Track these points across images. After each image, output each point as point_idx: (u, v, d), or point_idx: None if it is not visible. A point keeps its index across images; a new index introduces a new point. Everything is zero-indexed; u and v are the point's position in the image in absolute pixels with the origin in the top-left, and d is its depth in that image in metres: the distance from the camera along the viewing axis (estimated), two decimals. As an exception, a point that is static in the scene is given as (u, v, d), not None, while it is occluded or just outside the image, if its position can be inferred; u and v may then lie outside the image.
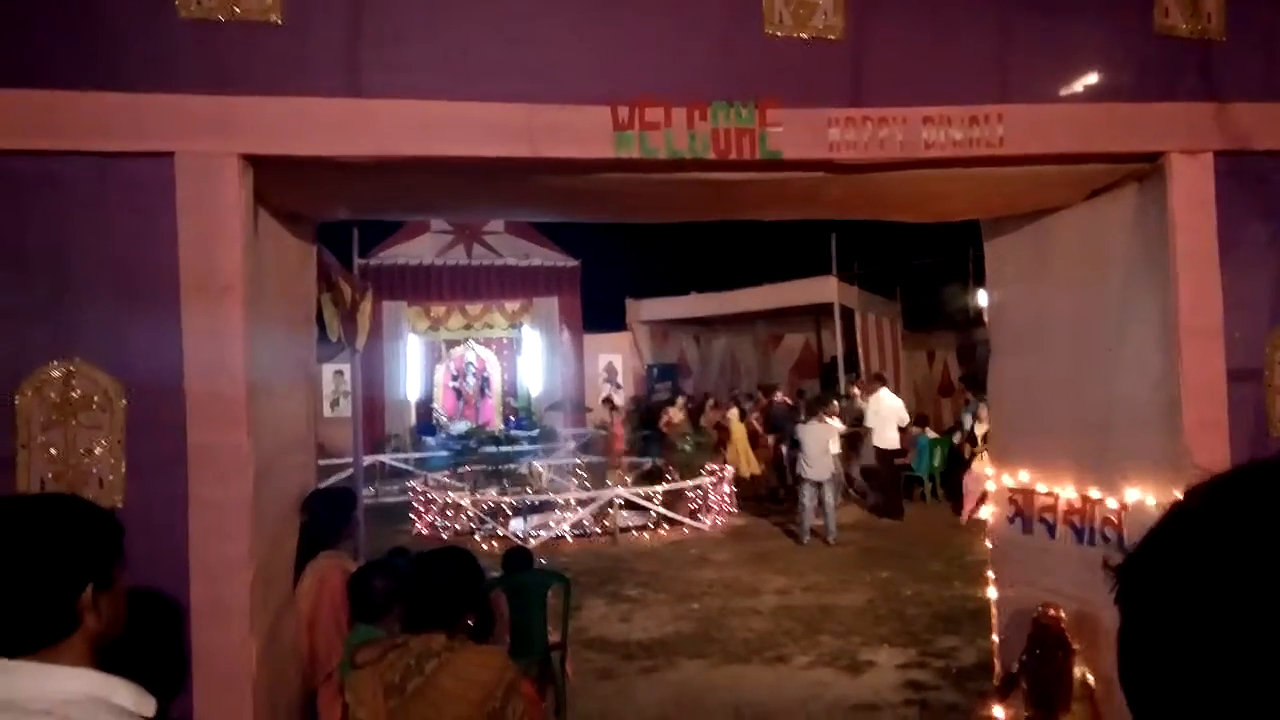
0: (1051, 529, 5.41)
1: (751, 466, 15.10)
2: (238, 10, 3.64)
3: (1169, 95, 4.49)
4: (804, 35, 4.19)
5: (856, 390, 15.12)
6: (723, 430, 15.71)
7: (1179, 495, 0.84)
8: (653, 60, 4.09)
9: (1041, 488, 5.49)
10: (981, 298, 8.29)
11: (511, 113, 3.92)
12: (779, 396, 16.22)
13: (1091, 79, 4.47)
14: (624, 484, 13.59)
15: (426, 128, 3.85)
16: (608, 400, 17.17)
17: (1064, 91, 4.45)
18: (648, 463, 15.61)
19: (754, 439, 15.64)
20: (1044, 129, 4.36)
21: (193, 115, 3.59)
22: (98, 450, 3.50)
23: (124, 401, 3.52)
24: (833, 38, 4.22)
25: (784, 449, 14.65)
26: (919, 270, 20.36)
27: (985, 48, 4.39)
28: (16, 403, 3.45)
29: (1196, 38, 4.51)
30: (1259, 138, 4.49)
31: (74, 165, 3.52)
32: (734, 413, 15.79)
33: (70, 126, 3.50)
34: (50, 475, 3.47)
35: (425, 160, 3.93)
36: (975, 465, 13.08)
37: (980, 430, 13.24)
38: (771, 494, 15.30)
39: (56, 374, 3.48)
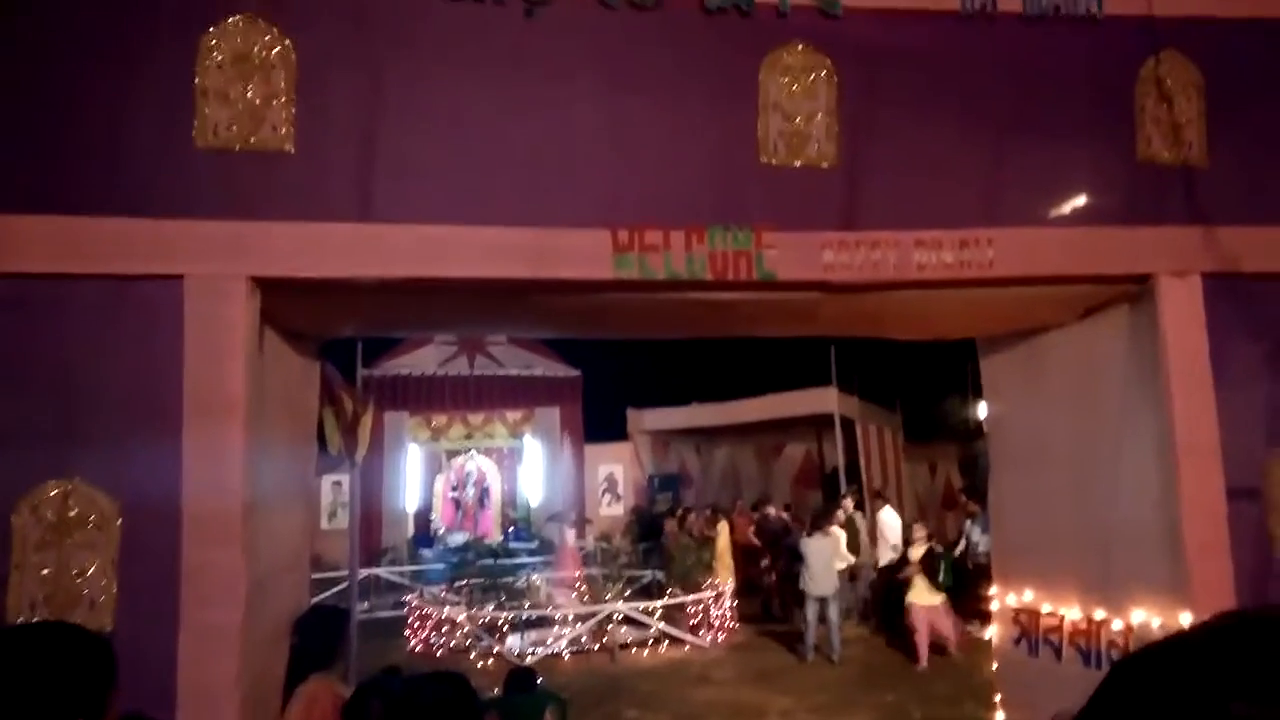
0: (1058, 651, 5.30)
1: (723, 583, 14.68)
2: (252, 141, 3.79)
3: (1155, 219, 4.61)
4: (798, 163, 4.34)
5: (848, 502, 14.86)
6: (711, 542, 15.46)
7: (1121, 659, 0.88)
8: (652, 186, 4.24)
9: (1046, 608, 5.41)
10: (982, 410, 8.01)
11: (515, 236, 4.04)
12: (770, 510, 15.99)
13: (1078, 204, 4.61)
14: (622, 598, 13.32)
15: (432, 251, 3.96)
16: (557, 515, 16.99)
17: (1052, 216, 4.58)
18: (647, 576, 15.35)
19: (752, 553, 15.40)
20: (1033, 252, 4.48)
21: (204, 240, 3.70)
22: (90, 571, 3.48)
23: (119, 521, 3.52)
24: (825, 165, 4.37)
25: (779, 563, 14.39)
26: (919, 381, 20.47)
27: (974, 174, 4.54)
28: (12, 522, 3.45)
29: (1179, 165, 4.67)
30: (1246, 260, 4.59)
31: (84, 288, 3.61)
32: (723, 525, 15.54)
33: (84, 251, 3.61)
34: (41, 597, 3.44)
35: (431, 281, 4.03)
36: (911, 595, 11.17)
37: (915, 553, 11.33)
38: (764, 608, 14.98)
39: (54, 493, 3.50)
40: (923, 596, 10.98)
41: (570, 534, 15.79)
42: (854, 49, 4.39)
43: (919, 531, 11.58)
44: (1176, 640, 0.85)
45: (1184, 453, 4.43)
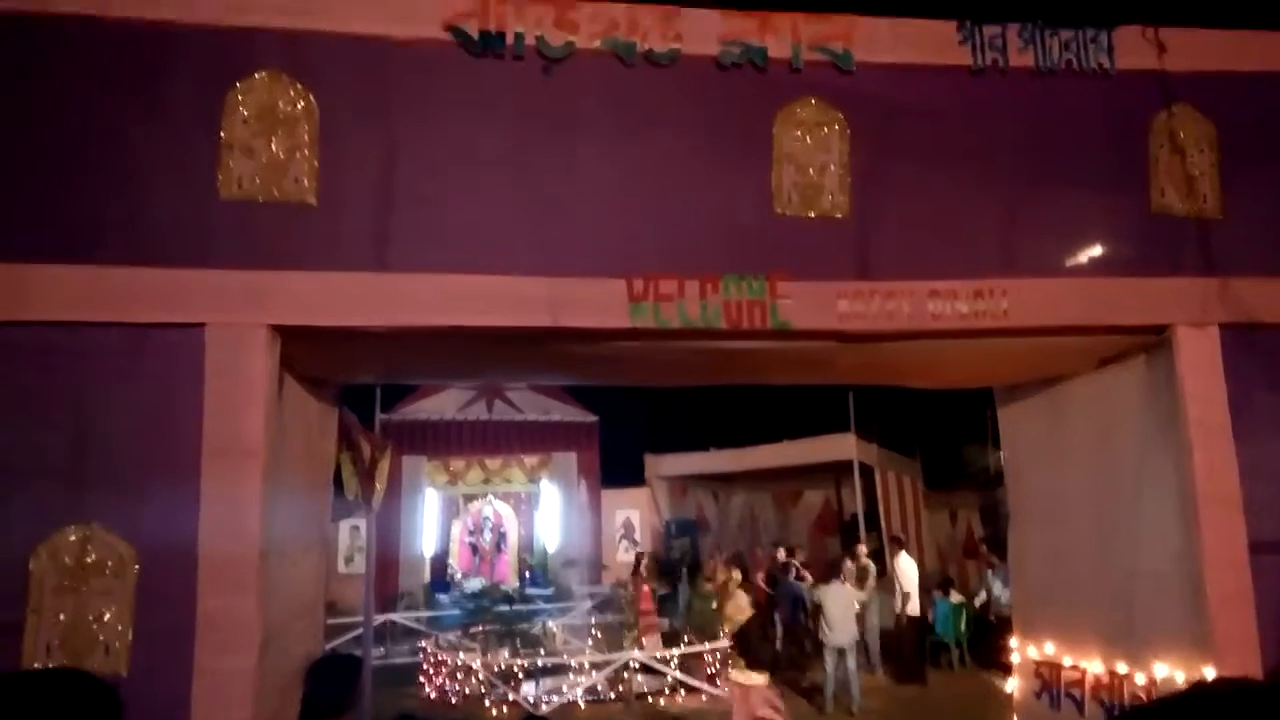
0: (1080, 705, 5.22)
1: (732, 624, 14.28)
2: (276, 193, 3.88)
3: (1172, 270, 4.61)
4: (812, 214, 4.39)
5: (861, 549, 14.63)
6: (724, 590, 15.20)
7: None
8: (667, 236, 4.28)
9: (1068, 661, 5.33)
10: (1003, 458, 7.40)
11: (531, 286, 4.09)
12: (780, 555, 15.73)
13: (1093, 254, 4.62)
14: (640, 647, 13.16)
15: (450, 300, 4.02)
16: (640, 558, 16.71)
17: (1067, 266, 4.59)
18: (664, 624, 15.16)
19: (767, 602, 15.16)
20: (1048, 302, 4.49)
21: (226, 289, 3.77)
22: (107, 617, 3.50)
23: (136, 567, 3.55)
24: (839, 216, 4.41)
25: (782, 610, 14.17)
26: (940, 428, 20.30)
27: (989, 224, 4.56)
28: (31, 567, 3.49)
29: (1194, 216, 4.67)
30: (1263, 311, 4.58)
31: (107, 336, 3.68)
32: (736, 573, 15.33)
33: (107, 299, 3.68)
34: (56, 642, 3.46)
35: (448, 330, 4.08)
36: (734, 674, 8.22)
37: (741, 618, 9.11)
38: (776, 658, 14.68)
39: (73, 539, 3.53)
40: (740, 673, 8.28)
41: (642, 578, 15.49)
42: (866, 103, 4.45)
43: (742, 597, 9.41)
44: (1168, 704, 0.85)
45: (1205, 504, 4.39)
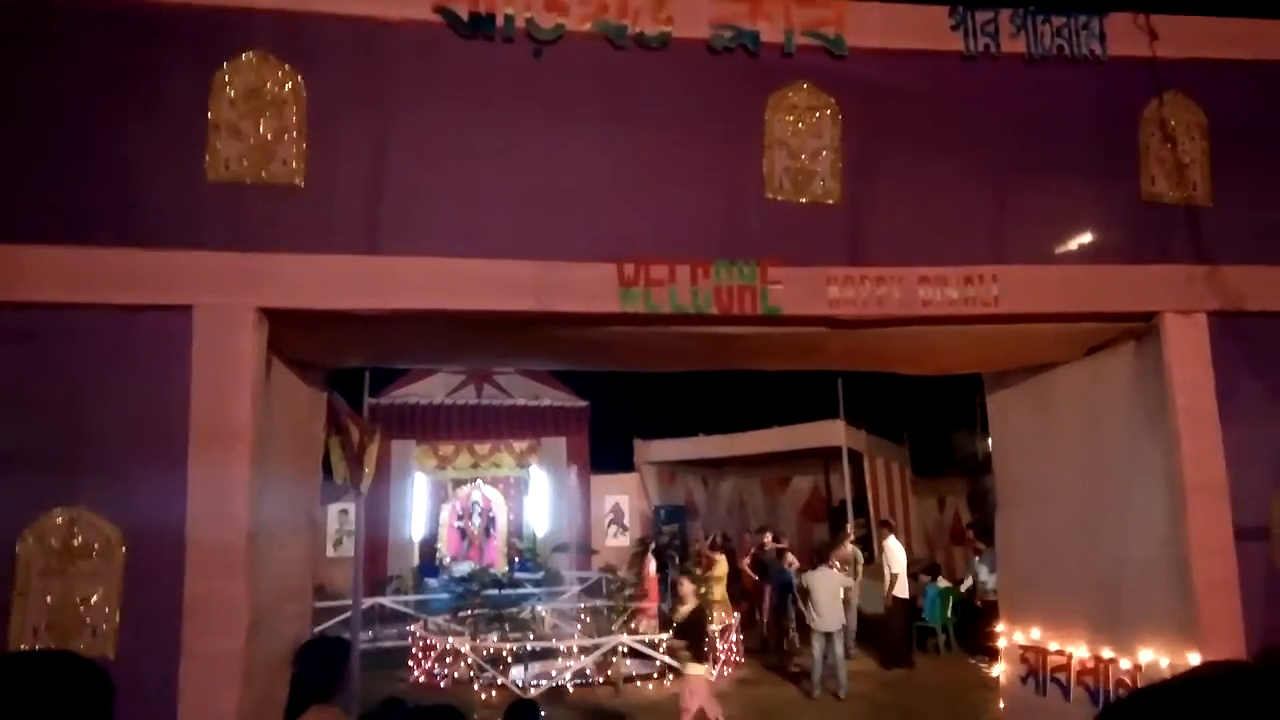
0: (1065, 690, 5.26)
1: (727, 616, 14.28)
2: (263, 174, 3.85)
3: (1160, 258, 4.63)
4: (803, 200, 4.38)
5: (849, 532, 14.72)
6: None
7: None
8: (658, 221, 4.27)
9: (1054, 646, 5.37)
10: (991, 445, 7.22)
11: (522, 269, 4.07)
12: (767, 541, 15.73)
13: (1083, 241, 4.63)
14: (631, 631, 13.22)
15: (439, 283, 4.00)
16: (648, 542, 16.63)
17: (1057, 253, 4.60)
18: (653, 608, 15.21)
19: (753, 587, 15.18)
20: (1038, 289, 4.50)
21: (214, 271, 3.75)
22: (94, 599, 3.49)
23: (124, 549, 3.53)
24: (831, 202, 4.41)
25: (769, 594, 14.23)
26: (928, 415, 20.40)
27: (979, 211, 4.57)
28: (17, 550, 3.47)
29: (1184, 204, 4.69)
30: (1251, 299, 4.60)
31: (94, 317, 3.65)
32: (720, 557, 15.35)
33: (95, 281, 3.66)
34: (44, 624, 3.45)
35: (437, 314, 4.07)
36: (690, 668, 8.48)
37: (683, 610, 8.76)
38: (762, 641, 14.80)
39: (60, 521, 3.51)
40: (689, 665, 8.58)
41: (651, 564, 15.51)
42: (858, 88, 4.44)
43: (685, 586, 9.13)
44: (1164, 688, 0.85)
45: (1192, 491, 4.42)
